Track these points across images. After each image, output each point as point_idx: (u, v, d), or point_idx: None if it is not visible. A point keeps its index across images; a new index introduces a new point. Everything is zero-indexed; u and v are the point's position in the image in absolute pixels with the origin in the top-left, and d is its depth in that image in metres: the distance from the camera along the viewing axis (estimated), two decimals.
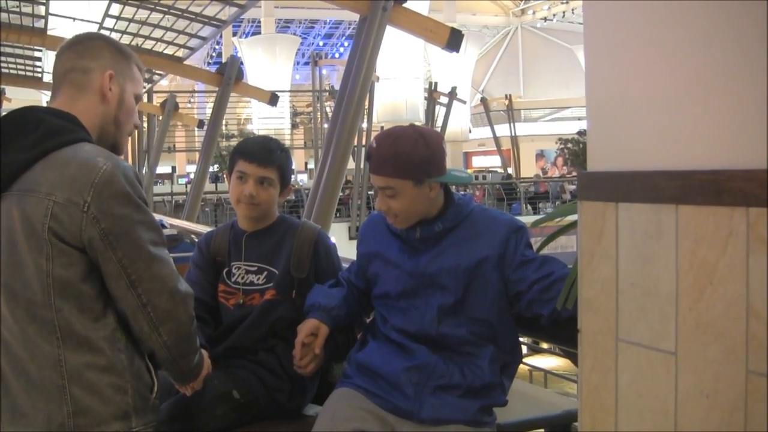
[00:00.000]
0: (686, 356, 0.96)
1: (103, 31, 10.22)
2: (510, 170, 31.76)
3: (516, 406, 2.01)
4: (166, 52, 11.08)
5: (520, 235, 1.85)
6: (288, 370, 2.09)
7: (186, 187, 21.10)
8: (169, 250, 1.59)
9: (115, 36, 10.32)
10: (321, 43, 42.98)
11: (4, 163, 1.45)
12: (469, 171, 30.21)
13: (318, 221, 5.74)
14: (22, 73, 13.71)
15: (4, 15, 9.47)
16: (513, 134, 33.07)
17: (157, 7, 9.69)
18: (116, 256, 1.44)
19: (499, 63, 41.05)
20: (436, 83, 23.74)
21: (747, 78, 0.91)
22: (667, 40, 1.01)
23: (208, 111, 16.47)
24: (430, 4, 26.22)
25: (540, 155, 36.71)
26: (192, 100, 32.35)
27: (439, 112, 23.78)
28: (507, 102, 33.77)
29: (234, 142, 21.59)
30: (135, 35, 10.71)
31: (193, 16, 9.82)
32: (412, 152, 1.78)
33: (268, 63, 29.50)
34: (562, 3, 36.52)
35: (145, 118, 17.22)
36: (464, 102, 27.63)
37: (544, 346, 11.31)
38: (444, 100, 23.53)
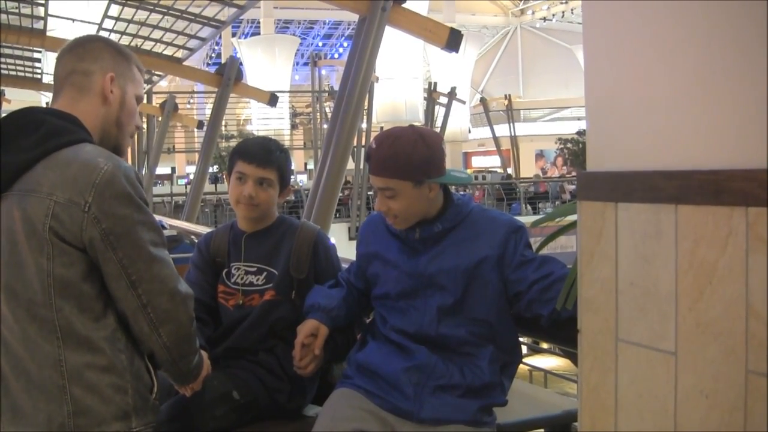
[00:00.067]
0: (686, 356, 0.96)
1: (102, 32, 10.25)
2: (509, 170, 31.77)
3: (516, 406, 2.01)
4: (165, 52, 11.07)
5: (519, 235, 1.85)
6: (288, 371, 2.09)
7: (185, 187, 21.10)
8: (169, 251, 1.59)
9: (114, 37, 10.33)
10: (320, 44, 42.99)
11: (4, 164, 1.46)
12: (468, 171, 30.21)
13: (317, 222, 5.74)
14: (22, 74, 13.70)
15: (4, 16, 9.47)
16: (512, 134, 33.06)
17: (156, 8, 9.69)
18: (117, 256, 1.45)
19: (498, 63, 41.06)
20: (435, 83, 23.74)
21: (746, 78, 0.90)
22: (667, 39, 1.01)
23: (208, 112, 16.45)
24: (430, 4, 26.27)
25: (539, 155, 36.72)
26: (191, 100, 32.37)
27: (439, 112, 23.78)
28: (506, 102, 33.76)
29: (233, 143, 21.58)
30: (134, 36, 10.71)
31: (193, 17, 9.82)
32: (412, 153, 1.78)
33: (268, 63, 29.51)
34: (562, 3, 36.54)
35: (144, 119, 17.21)
36: (464, 102, 27.64)
37: (544, 346, 11.31)
38: (443, 100, 23.54)
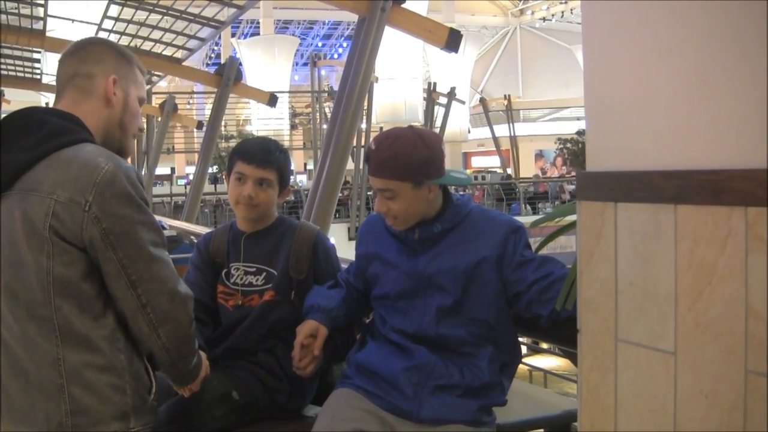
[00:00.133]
0: (685, 356, 0.96)
1: (101, 32, 10.25)
2: (509, 170, 31.78)
3: (515, 406, 2.01)
4: (164, 53, 11.06)
5: (518, 235, 1.85)
6: (287, 371, 2.08)
7: (185, 188, 21.08)
8: (168, 252, 1.59)
9: (113, 37, 10.33)
10: (320, 44, 42.99)
11: (4, 163, 1.46)
12: (468, 171, 30.22)
13: (317, 222, 5.74)
14: (21, 74, 13.70)
15: (3, 17, 9.46)
16: (512, 134, 33.08)
17: (156, 9, 9.69)
18: (117, 255, 1.45)
19: (497, 63, 41.06)
20: (435, 84, 23.72)
21: (746, 77, 0.90)
22: (666, 39, 1.01)
23: (207, 112, 16.44)
24: (429, 4, 26.26)
25: (539, 155, 36.73)
26: (191, 101, 32.35)
27: (438, 112, 23.77)
28: (506, 102, 33.79)
29: (233, 143, 21.59)
30: (133, 36, 10.71)
31: (192, 17, 9.80)
32: (412, 154, 1.78)
33: (267, 64, 29.50)
34: (561, 3, 36.55)
35: (143, 120, 17.21)
36: (463, 102, 27.63)
37: (544, 346, 11.30)
38: (443, 100, 23.52)
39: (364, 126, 16.99)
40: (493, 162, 35.97)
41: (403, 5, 6.34)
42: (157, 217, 1.60)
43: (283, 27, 39.04)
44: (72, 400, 1.43)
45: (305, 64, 31.99)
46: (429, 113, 23.42)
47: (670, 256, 0.97)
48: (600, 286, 1.09)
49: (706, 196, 0.92)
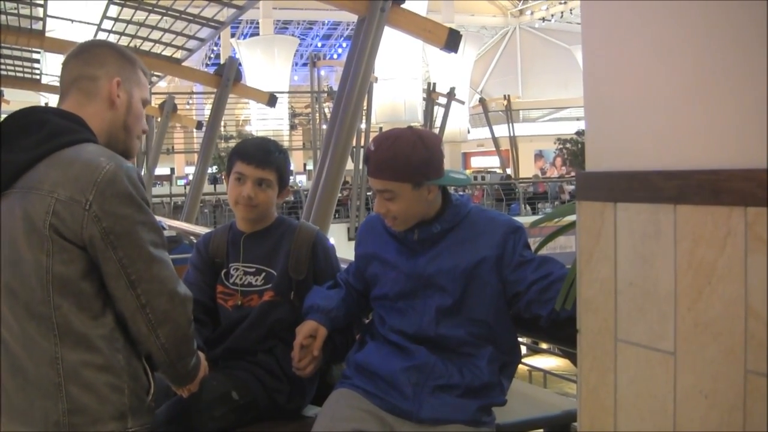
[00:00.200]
0: (685, 356, 0.96)
1: (100, 33, 10.24)
2: (509, 171, 31.79)
3: (515, 407, 2.01)
4: (164, 53, 11.05)
5: (518, 235, 1.85)
6: (287, 372, 2.08)
7: (185, 188, 21.08)
8: (168, 252, 1.59)
9: (112, 37, 10.33)
10: (319, 44, 43.00)
11: (5, 162, 1.47)
12: (467, 171, 30.22)
13: (317, 222, 5.74)
14: (21, 75, 13.69)
15: (3, 17, 9.46)
16: (512, 135, 33.09)
17: (155, 9, 9.68)
18: (116, 255, 1.45)
19: (497, 63, 41.06)
20: (434, 84, 23.72)
21: (746, 77, 0.90)
22: (666, 39, 1.01)
23: (207, 112, 16.44)
24: (429, 4, 26.25)
25: (539, 155, 36.74)
26: (190, 101, 32.34)
27: (438, 112, 23.77)
28: (505, 102, 33.80)
29: (232, 144, 21.58)
30: (133, 37, 10.69)
31: (191, 18, 9.79)
32: (411, 155, 1.78)
33: (267, 64, 29.49)
34: (561, 3, 36.56)
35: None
36: (463, 102, 27.62)
37: (544, 346, 11.31)
38: (442, 100, 23.52)
39: (363, 126, 16.98)
40: (492, 162, 35.98)
41: (403, 5, 6.34)
42: (157, 218, 1.60)
43: (282, 27, 39.04)
44: (69, 399, 1.43)
45: (305, 65, 32.00)
46: (428, 113, 23.42)
47: (669, 256, 0.97)
48: (600, 286, 1.09)
49: (705, 196, 0.92)
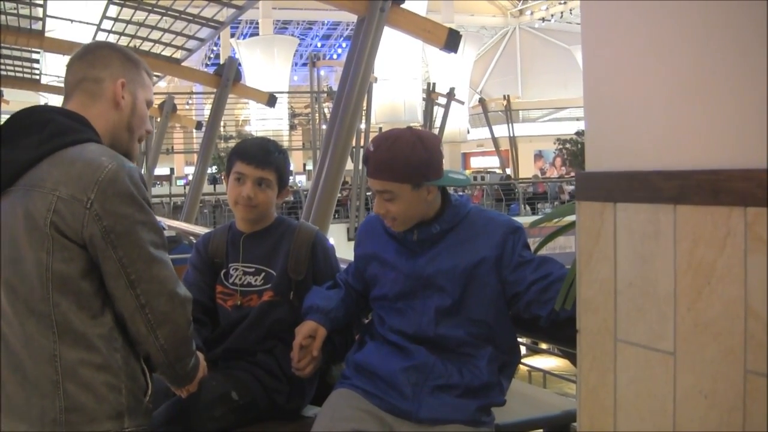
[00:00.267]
0: (685, 356, 0.96)
1: (100, 33, 10.24)
2: (508, 171, 31.79)
3: (515, 407, 2.01)
4: (163, 53, 11.06)
5: (517, 236, 1.85)
6: (286, 372, 2.08)
7: (184, 188, 21.09)
8: (168, 252, 1.59)
9: (112, 37, 10.34)
10: (319, 44, 43.01)
11: (5, 161, 1.47)
12: (467, 172, 30.24)
13: (316, 222, 5.74)
14: (20, 75, 13.69)
15: (2, 17, 9.46)
16: (511, 135, 33.08)
17: (155, 9, 9.69)
18: (116, 254, 1.45)
19: (497, 63, 41.08)
20: (434, 84, 23.73)
21: (746, 77, 0.90)
22: (665, 39, 1.01)
23: (206, 112, 16.44)
24: (428, 4, 26.25)
25: (538, 156, 36.76)
26: (190, 101, 32.35)
27: (438, 112, 23.78)
28: (505, 102, 33.80)
29: (232, 144, 21.57)
30: (132, 37, 10.70)
31: (191, 18, 9.80)
32: (410, 156, 1.78)
33: (266, 64, 29.49)
34: (560, 3, 36.58)
35: None
36: (462, 103, 27.62)
37: (543, 346, 11.30)
38: (442, 100, 23.52)
39: (363, 126, 16.99)
40: (492, 162, 36.00)
41: (402, 5, 6.34)
42: (157, 218, 1.60)
43: (282, 27, 39.05)
44: (67, 397, 1.43)
45: (304, 65, 32.02)
46: (428, 114, 23.43)
47: (669, 257, 0.97)
48: (599, 287, 1.09)
49: (705, 196, 0.92)
